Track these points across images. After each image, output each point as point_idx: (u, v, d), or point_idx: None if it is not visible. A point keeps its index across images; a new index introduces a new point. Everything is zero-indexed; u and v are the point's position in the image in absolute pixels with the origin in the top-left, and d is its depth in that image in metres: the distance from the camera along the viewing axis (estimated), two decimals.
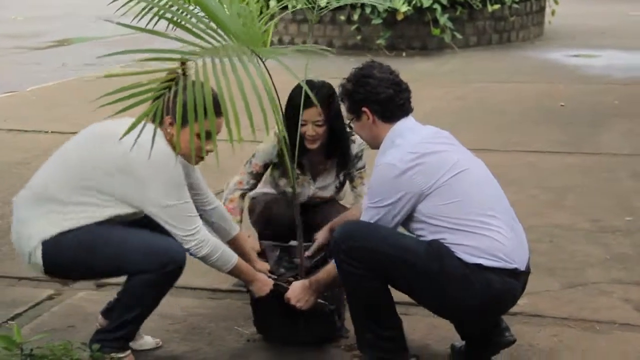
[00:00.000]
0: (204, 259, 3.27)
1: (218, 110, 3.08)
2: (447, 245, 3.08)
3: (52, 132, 6.88)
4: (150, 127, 2.94)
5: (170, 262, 3.19)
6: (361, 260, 3.12)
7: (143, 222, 3.32)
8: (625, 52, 11.31)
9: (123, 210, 3.23)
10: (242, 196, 3.96)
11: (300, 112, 3.61)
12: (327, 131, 3.77)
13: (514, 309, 3.45)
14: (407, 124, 3.32)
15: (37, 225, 3.23)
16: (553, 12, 12.86)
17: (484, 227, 3.11)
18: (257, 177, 3.96)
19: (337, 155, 3.91)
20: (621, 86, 9.12)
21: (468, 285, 3.04)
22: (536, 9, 12.70)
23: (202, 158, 3.32)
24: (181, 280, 3.22)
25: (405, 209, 3.17)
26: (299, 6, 3.96)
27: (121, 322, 3.30)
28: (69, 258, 3.22)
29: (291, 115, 3.62)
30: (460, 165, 3.22)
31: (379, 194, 3.18)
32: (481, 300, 3.06)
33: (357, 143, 3.89)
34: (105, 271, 3.36)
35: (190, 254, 3.24)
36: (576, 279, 4.18)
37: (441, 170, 3.16)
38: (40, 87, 9.14)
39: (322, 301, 3.47)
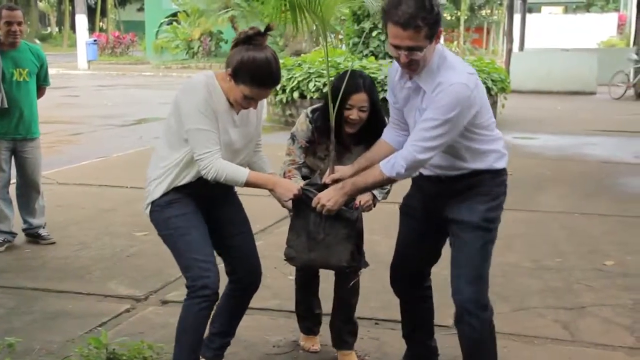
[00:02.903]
0: (214, 180, 2.76)
1: (266, 83, 2.74)
2: (482, 152, 2.75)
3: (131, 187, 6.98)
4: (206, 71, 2.80)
5: (204, 286, 2.80)
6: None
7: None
8: (555, 136, 11.37)
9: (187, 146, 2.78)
10: (299, 168, 3.33)
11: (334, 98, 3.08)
12: (368, 118, 3.16)
13: None
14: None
15: (149, 188, 2.91)
16: (503, 105, 12.95)
17: (498, 131, 2.83)
18: (305, 150, 3.34)
19: (368, 142, 3.16)
20: (552, 161, 9.14)
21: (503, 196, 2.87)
22: (490, 103, 12.64)
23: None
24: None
25: (463, 125, 2.63)
26: None
27: (176, 352, 2.92)
28: (159, 229, 2.93)
29: (336, 100, 3.07)
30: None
31: (451, 110, 2.55)
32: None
33: None
34: (175, 256, 2.92)
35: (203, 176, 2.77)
36: (520, 304, 4.15)
37: (481, 86, 2.70)
38: (124, 154, 9.23)
39: (345, 208, 2.90)
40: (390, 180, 2.80)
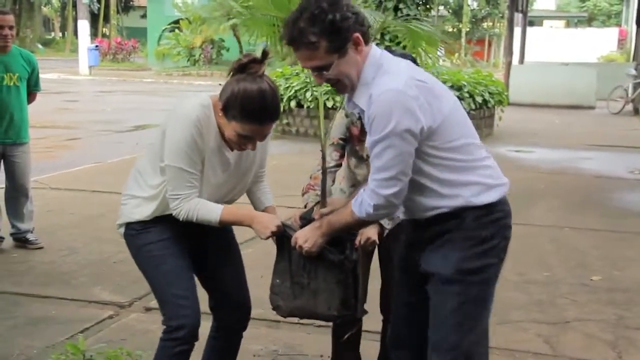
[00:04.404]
0: (185, 220, 2.48)
1: (259, 118, 2.36)
2: (456, 185, 2.20)
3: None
4: (204, 97, 2.46)
5: (179, 327, 2.51)
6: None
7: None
8: (551, 150, 11.37)
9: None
10: (329, 174, 2.90)
11: None
12: None
13: None
14: (375, 47, 2.22)
15: (126, 205, 2.65)
16: (500, 118, 12.95)
17: (482, 157, 2.27)
18: (339, 148, 2.91)
19: None
20: (547, 174, 9.14)
21: (496, 245, 2.24)
22: (487, 115, 12.79)
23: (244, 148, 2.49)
24: None
25: (413, 146, 2.12)
26: None
27: None
28: (135, 258, 2.68)
29: None
30: (450, 93, 2.25)
31: (386, 122, 2.06)
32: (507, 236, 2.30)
33: None
34: (152, 291, 2.70)
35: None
36: (504, 317, 4.11)
37: (443, 97, 2.18)
38: (119, 160, 9.23)
39: (330, 248, 2.45)
40: (365, 222, 2.32)
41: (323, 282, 2.52)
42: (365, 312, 2.72)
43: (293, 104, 11.59)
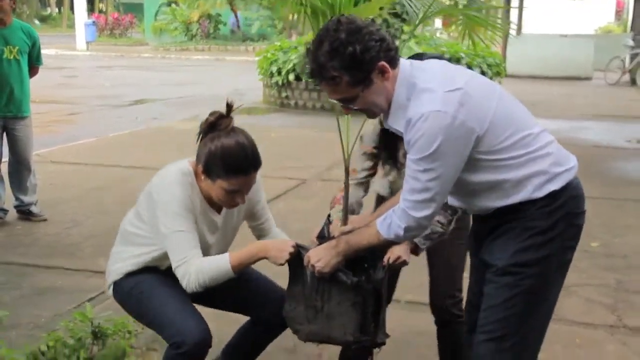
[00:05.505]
0: (198, 289, 2.36)
1: (243, 169, 2.36)
2: (516, 183, 2.06)
3: (125, 166, 6.98)
4: (183, 162, 2.46)
5: (182, 343, 2.34)
6: None
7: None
8: (550, 120, 11.31)
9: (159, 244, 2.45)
10: (359, 185, 2.71)
11: None
12: None
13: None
14: (404, 62, 2.09)
15: (113, 264, 2.62)
16: None
17: (543, 145, 2.10)
18: (372, 158, 2.69)
19: None
20: None
21: (563, 236, 2.11)
22: None
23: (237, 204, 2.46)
24: None
25: (462, 160, 2.01)
26: None
27: None
28: (127, 305, 2.64)
29: None
30: (494, 87, 2.13)
31: (429, 145, 1.95)
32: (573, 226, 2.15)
33: None
34: (150, 326, 2.58)
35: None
36: None
37: (486, 100, 2.03)
38: (119, 134, 9.21)
39: (344, 269, 2.31)
40: (392, 242, 2.19)
41: (337, 305, 2.36)
42: (387, 336, 2.49)
43: (292, 77, 11.56)
